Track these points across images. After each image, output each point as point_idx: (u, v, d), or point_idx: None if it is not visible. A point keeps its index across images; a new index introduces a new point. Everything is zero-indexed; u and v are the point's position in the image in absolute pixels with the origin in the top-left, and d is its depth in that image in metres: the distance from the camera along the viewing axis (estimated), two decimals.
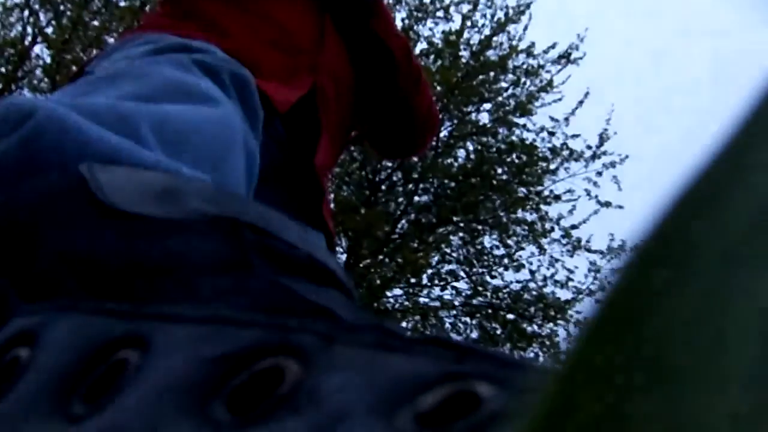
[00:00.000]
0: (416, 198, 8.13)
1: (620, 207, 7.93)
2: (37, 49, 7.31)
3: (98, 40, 7.32)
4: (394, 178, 8.16)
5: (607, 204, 7.93)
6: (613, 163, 8.05)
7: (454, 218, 7.96)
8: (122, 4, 7.38)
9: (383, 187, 8.13)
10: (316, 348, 0.28)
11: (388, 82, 1.09)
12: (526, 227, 7.97)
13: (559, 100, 8.08)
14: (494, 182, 7.96)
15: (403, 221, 8.07)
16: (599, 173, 8.05)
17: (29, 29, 7.26)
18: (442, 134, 7.96)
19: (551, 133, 8.03)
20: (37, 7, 7.25)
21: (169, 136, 0.59)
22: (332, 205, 7.49)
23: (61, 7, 7.21)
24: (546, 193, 8.04)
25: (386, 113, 1.12)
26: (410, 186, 8.10)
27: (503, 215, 7.98)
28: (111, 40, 7.43)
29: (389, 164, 7.92)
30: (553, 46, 8.00)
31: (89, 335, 0.32)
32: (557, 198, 8.04)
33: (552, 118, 8.02)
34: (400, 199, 8.21)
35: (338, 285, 0.48)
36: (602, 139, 8.09)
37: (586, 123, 8.27)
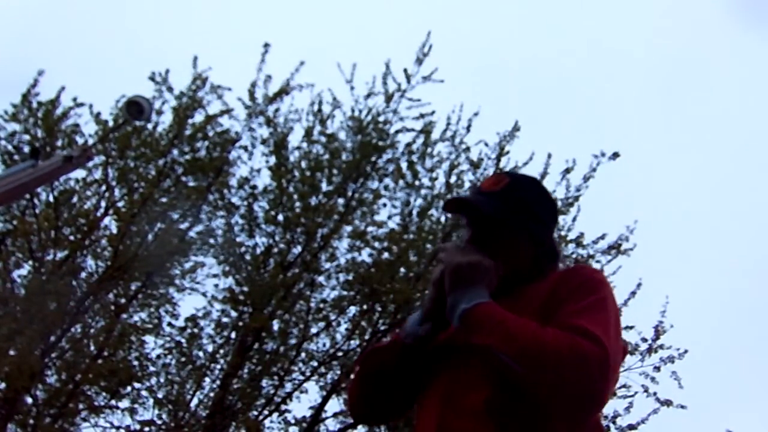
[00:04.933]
0: None
1: (682, 407, 7.39)
2: (106, 220, 7.78)
3: (164, 216, 7.77)
4: None
5: (668, 403, 7.40)
6: (672, 358, 7.64)
7: None
8: (191, 184, 7.90)
9: None
10: None
11: None
12: None
13: None
14: None
15: None
16: (657, 368, 7.62)
17: (102, 202, 7.78)
18: None
19: None
20: (114, 183, 7.84)
21: None
22: None
23: (135, 184, 7.76)
24: None
25: None
26: None
27: None
28: (176, 216, 7.88)
29: None
30: (602, 237, 8.04)
31: None
32: (612, 393, 7.58)
33: None
34: None
35: None
36: (658, 332, 7.78)
37: (641, 315, 8.03)
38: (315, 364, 7.82)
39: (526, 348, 1.28)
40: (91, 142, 7.55)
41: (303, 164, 8.08)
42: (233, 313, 7.75)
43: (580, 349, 1.26)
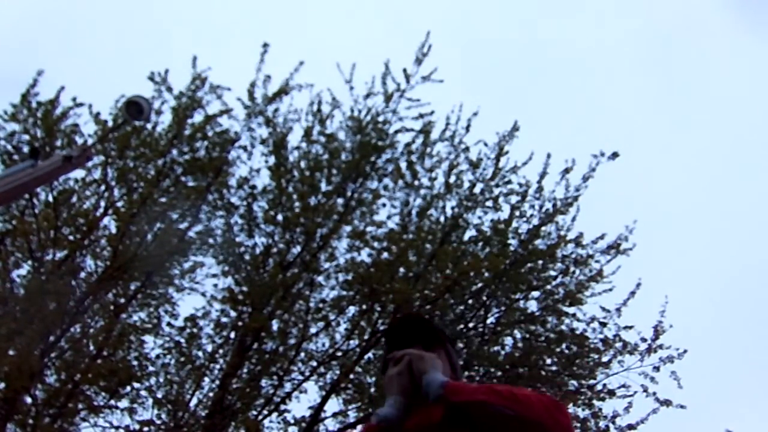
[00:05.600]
0: None
1: (682, 407, 7.39)
2: (105, 220, 7.78)
3: (163, 216, 7.77)
4: None
5: (667, 402, 7.40)
6: (671, 358, 7.64)
7: None
8: (190, 184, 7.90)
9: None
10: None
11: None
12: (578, 425, 7.46)
13: (610, 290, 7.95)
14: (543, 373, 7.63)
15: None
16: (656, 368, 7.63)
17: (102, 202, 7.78)
18: (489, 321, 7.84)
19: (603, 324, 7.80)
20: (113, 183, 7.84)
21: None
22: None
23: (134, 184, 7.76)
24: (599, 387, 7.62)
25: None
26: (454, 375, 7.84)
27: None
28: (175, 216, 7.88)
29: None
30: (602, 237, 8.04)
31: None
32: (611, 393, 7.58)
33: (603, 309, 7.83)
34: None
35: None
36: (657, 331, 7.78)
37: (640, 315, 8.03)
38: (314, 364, 7.82)
39: (515, 397, 1.54)
40: (90, 142, 7.55)
41: (302, 164, 8.08)
42: (232, 313, 7.74)
43: (554, 400, 1.61)
